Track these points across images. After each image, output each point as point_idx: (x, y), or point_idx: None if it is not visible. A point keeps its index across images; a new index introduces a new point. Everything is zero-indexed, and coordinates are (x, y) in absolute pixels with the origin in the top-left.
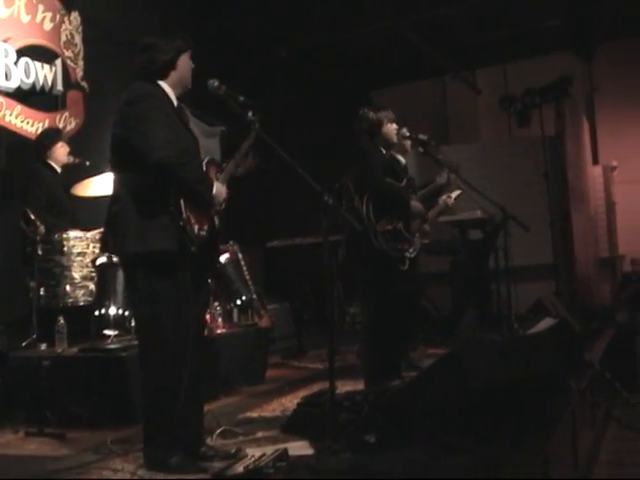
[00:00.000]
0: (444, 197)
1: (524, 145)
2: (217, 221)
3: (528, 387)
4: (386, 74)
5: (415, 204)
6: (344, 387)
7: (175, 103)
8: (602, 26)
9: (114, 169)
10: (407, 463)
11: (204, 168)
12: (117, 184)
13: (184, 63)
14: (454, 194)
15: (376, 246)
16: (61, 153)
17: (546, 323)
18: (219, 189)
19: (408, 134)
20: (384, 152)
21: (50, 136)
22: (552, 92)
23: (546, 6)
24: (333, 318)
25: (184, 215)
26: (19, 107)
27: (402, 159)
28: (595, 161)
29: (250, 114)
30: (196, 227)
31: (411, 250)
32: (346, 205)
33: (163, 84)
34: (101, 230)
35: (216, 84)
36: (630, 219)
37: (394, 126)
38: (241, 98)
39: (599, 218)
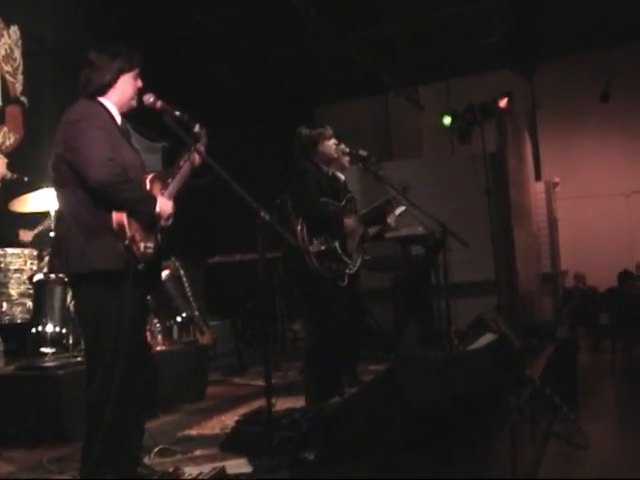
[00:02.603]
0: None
1: (466, 161)
2: (159, 237)
3: (467, 403)
4: (330, 91)
5: (349, 222)
6: (285, 404)
7: (119, 120)
8: (543, 44)
9: (57, 187)
10: None
11: (148, 185)
12: (60, 203)
13: (126, 83)
14: (397, 211)
15: (309, 266)
16: None
17: (486, 339)
18: (164, 205)
19: (347, 150)
20: (325, 169)
21: None
22: (493, 108)
23: (487, 24)
24: (268, 334)
25: (129, 234)
26: None
27: (341, 176)
28: (537, 177)
29: (197, 127)
30: (142, 245)
31: (350, 267)
32: (285, 223)
33: (105, 101)
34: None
35: (152, 99)
36: (572, 235)
37: (332, 141)
38: (177, 113)
39: (541, 234)
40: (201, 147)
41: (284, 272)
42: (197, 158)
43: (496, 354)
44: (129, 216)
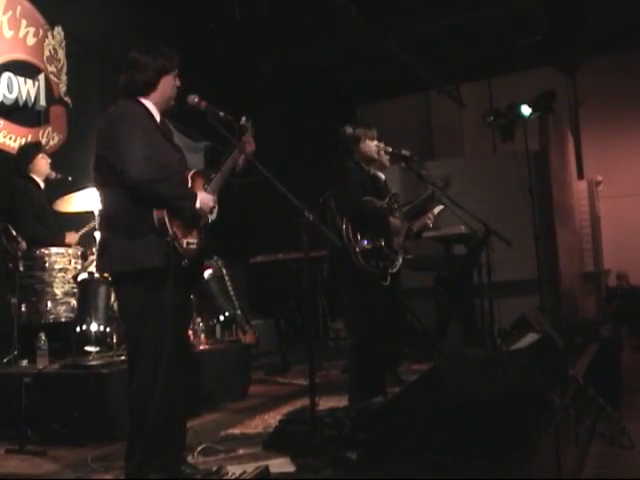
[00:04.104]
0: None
1: (508, 160)
2: (202, 233)
3: (511, 403)
4: (371, 89)
5: (395, 221)
6: (327, 403)
7: (158, 119)
8: (585, 41)
9: (99, 188)
10: None
11: (189, 182)
12: (103, 203)
13: (167, 83)
14: (436, 209)
15: (356, 264)
16: (42, 165)
17: (530, 338)
18: (204, 199)
19: (390, 149)
20: (366, 169)
21: (30, 149)
22: (536, 106)
23: (529, 22)
24: (311, 333)
25: (170, 231)
26: (1, 122)
27: (382, 175)
28: (580, 176)
29: (244, 119)
30: (184, 241)
31: (393, 266)
32: (329, 221)
33: (145, 101)
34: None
35: (196, 100)
36: (615, 234)
37: (374, 142)
38: (221, 114)
39: (584, 233)
40: (249, 138)
41: (329, 271)
42: (247, 149)
43: (540, 354)
44: (170, 213)
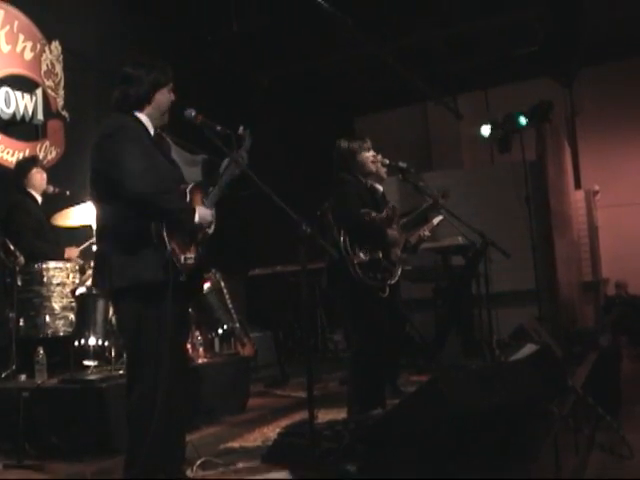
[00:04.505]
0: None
1: (506, 170)
2: (200, 248)
3: (510, 413)
4: (369, 101)
5: (392, 233)
6: (326, 416)
7: (152, 133)
8: (581, 51)
9: (95, 203)
10: None
11: (188, 195)
12: (100, 218)
13: (161, 97)
14: (436, 220)
15: (354, 276)
16: (38, 179)
17: (528, 349)
18: (203, 214)
19: (387, 162)
20: (364, 181)
21: (25, 164)
22: (533, 117)
23: (526, 32)
24: (310, 346)
25: (168, 246)
26: None
27: (379, 187)
28: (577, 186)
29: (241, 129)
30: (182, 257)
31: (392, 278)
32: (326, 234)
33: (140, 115)
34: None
35: (193, 114)
36: (613, 243)
37: (370, 153)
38: (218, 128)
39: (582, 242)
40: (243, 154)
41: (327, 283)
42: (242, 159)
43: (539, 364)
44: (168, 228)
